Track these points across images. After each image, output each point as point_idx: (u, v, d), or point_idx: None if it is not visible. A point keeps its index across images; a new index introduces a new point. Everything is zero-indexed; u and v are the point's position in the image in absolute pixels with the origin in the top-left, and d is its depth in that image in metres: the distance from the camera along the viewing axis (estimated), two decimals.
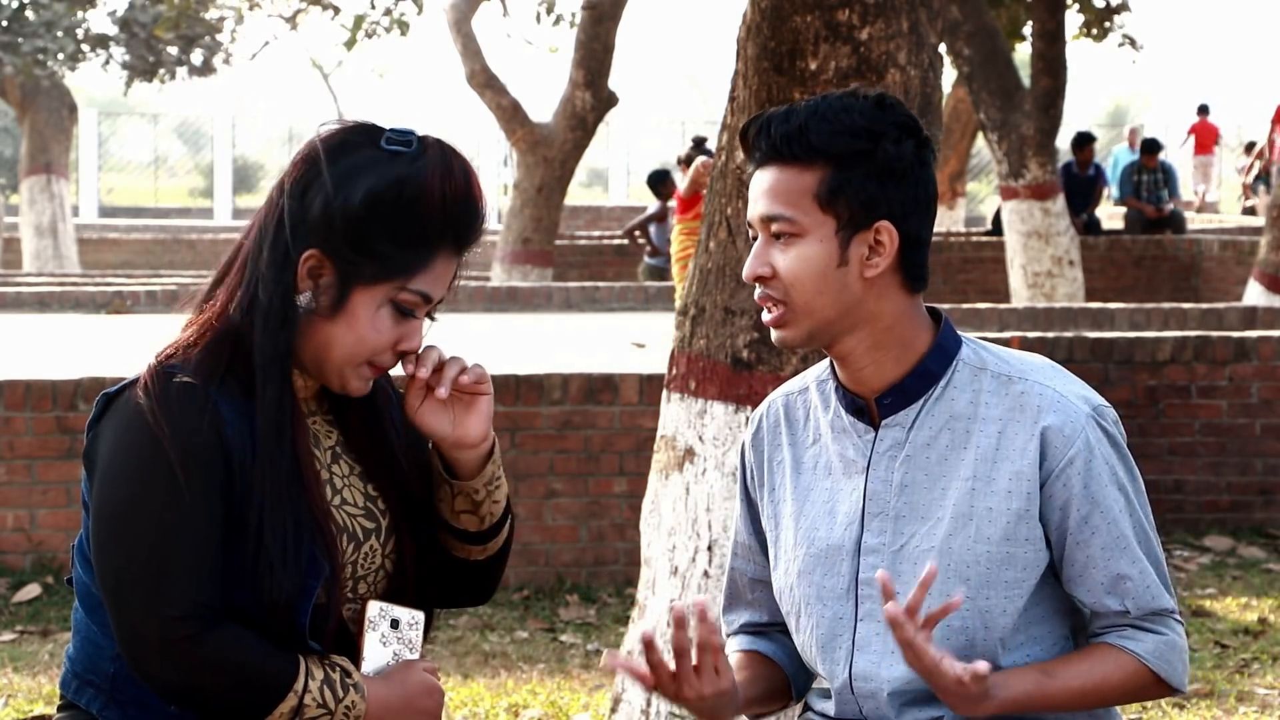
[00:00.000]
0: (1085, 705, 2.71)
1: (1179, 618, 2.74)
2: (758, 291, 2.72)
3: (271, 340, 2.63)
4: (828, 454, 2.80)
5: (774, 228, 2.69)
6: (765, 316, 2.73)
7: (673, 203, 18.61)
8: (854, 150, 2.66)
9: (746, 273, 2.71)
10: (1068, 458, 2.67)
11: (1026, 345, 8.70)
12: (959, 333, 2.79)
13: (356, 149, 2.64)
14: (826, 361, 2.81)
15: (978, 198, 36.72)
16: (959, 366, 2.74)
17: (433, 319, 2.72)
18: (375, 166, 2.62)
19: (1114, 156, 27.70)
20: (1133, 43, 19.27)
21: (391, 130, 2.67)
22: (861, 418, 2.76)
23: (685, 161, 15.41)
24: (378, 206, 2.61)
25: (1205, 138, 32.57)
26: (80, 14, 23.01)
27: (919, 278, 2.75)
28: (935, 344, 2.74)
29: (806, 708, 2.90)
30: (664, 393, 4.86)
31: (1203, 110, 33.03)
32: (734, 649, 2.97)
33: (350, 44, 19.28)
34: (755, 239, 2.73)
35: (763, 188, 2.70)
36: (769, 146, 2.69)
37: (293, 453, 2.65)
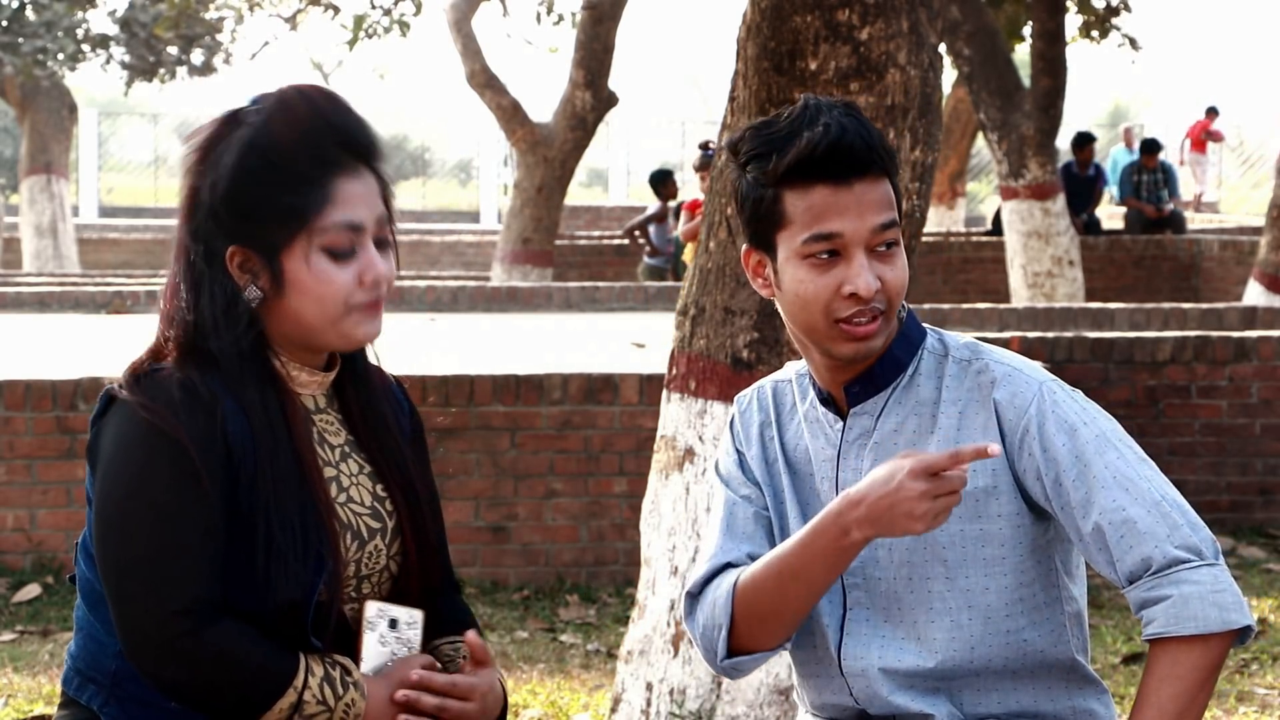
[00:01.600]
0: (1192, 712, 2.59)
1: (1198, 559, 2.59)
2: (858, 306, 2.67)
3: (234, 343, 2.63)
4: (804, 442, 2.83)
5: (888, 235, 2.68)
6: (864, 327, 2.68)
7: (674, 203, 18.65)
8: (892, 156, 2.73)
9: (867, 290, 2.66)
10: (1022, 428, 2.68)
11: (1026, 345, 8.70)
12: (924, 325, 2.82)
13: (222, 139, 2.65)
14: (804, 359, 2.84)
15: (978, 198, 36.72)
16: (924, 355, 2.77)
17: (390, 243, 2.68)
18: (233, 144, 2.64)
19: (1112, 157, 27.66)
20: (1133, 43, 19.27)
21: (248, 102, 2.68)
22: (831, 408, 2.79)
23: (700, 167, 15.39)
24: (242, 174, 2.62)
25: (1199, 136, 32.51)
26: (80, 14, 23.00)
27: None
28: (900, 332, 2.76)
29: (803, 708, 2.90)
30: (664, 393, 4.86)
31: (1211, 112, 32.89)
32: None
33: (353, 43, 19.29)
34: (827, 255, 2.67)
35: (866, 201, 2.67)
36: (849, 164, 2.66)
37: (292, 449, 2.65)
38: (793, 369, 2.89)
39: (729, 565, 2.80)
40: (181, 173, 2.71)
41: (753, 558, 2.79)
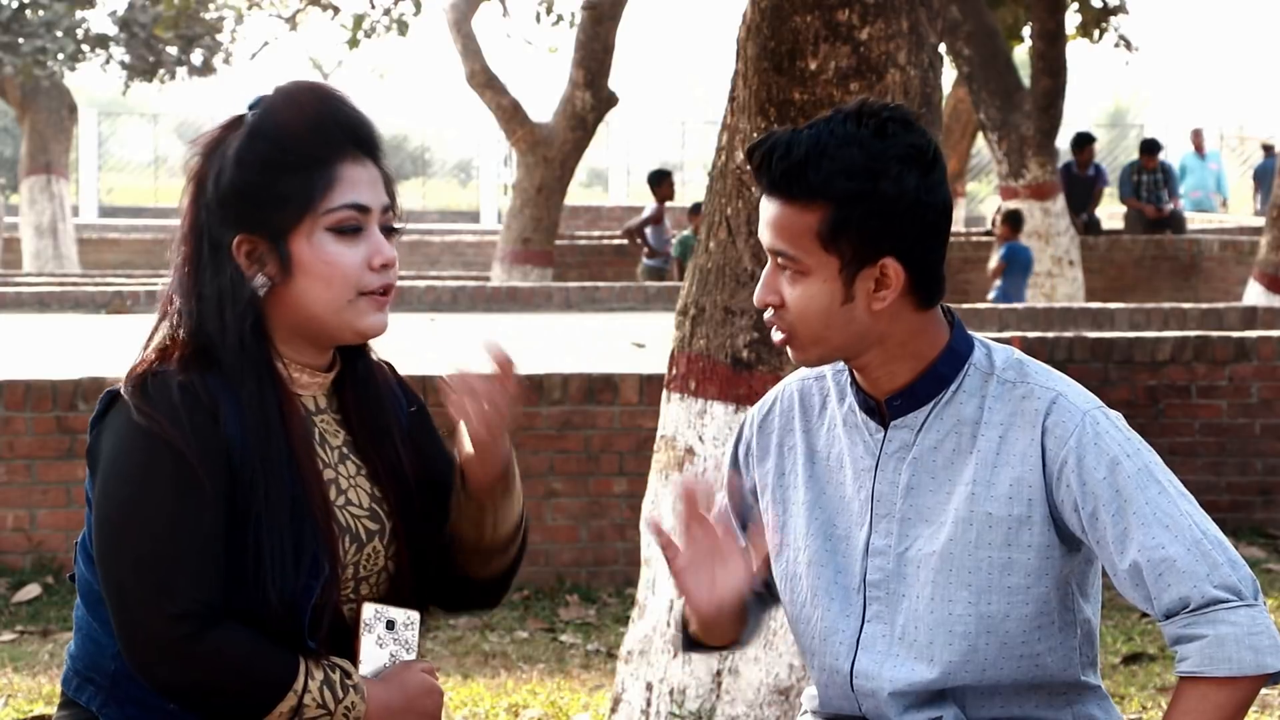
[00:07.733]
0: None
1: (1237, 599, 2.56)
2: (767, 314, 2.71)
3: (236, 330, 2.63)
4: (840, 446, 2.79)
5: (779, 262, 2.68)
6: (775, 336, 2.72)
7: (670, 203, 18.66)
8: (852, 191, 2.61)
9: (756, 299, 2.70)
10: (1061, 458, 2.64)
11: (1026, 345, 8.70)
12: (972, 335, 2.77)
13: (225, 139, 2.68)
14: None
15: (978, 198, 36.70)
16: (970, 371, 2.71)
17: (396, 231, 2.71)
18: (238, 137, 2.67)
19: (1181, 162, 27.03)
20: (1128, 44, 19.28)
21: (249, 105, 2.71)
22: (873, 416, 2.75)
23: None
24: (247, 160, 2.64)
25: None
26: (80, 14, 23.01)
27: (932, 295, 2.69)
28: (947, 348, 2.71)
29: (804, 708, 2.90)
30: (664, 393, 4.86)
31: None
32: None
33: (353, 43, 19.29)
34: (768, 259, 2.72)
35: (767, 219, 2.68)
36: (769, 181, 2.67)
37: (289, 450, 2.64)
38: (827, 364, 2.84)
39: None
40: (186, 176, 2.72)
41: None
